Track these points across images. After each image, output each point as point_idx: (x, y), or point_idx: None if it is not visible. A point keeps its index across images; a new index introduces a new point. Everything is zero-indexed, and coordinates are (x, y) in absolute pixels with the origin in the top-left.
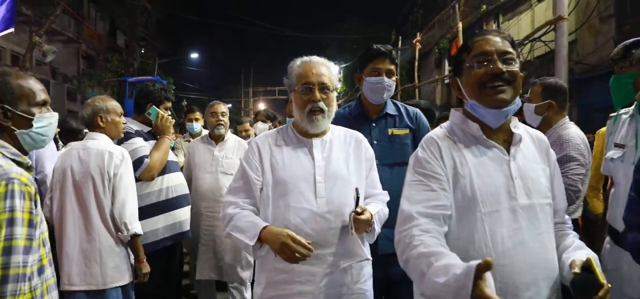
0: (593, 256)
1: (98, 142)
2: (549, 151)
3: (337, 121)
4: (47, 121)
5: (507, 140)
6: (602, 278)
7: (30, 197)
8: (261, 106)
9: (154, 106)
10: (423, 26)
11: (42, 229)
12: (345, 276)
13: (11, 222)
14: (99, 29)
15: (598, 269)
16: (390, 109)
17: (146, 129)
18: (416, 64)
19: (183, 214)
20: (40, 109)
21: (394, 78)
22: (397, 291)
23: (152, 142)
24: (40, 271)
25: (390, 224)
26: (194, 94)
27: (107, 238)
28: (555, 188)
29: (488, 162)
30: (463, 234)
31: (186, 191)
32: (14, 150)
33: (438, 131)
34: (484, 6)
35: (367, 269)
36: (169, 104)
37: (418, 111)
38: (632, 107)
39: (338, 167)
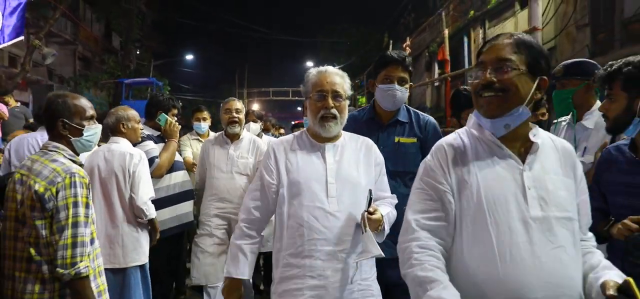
0: (630, 279)
1: (120, 146)
2: (575, 164)
3: (348, 122)
4: (93, 131)
5: (525, 149)
6: None
7: (86, 187)
8: (255, 106)
9: (163, 114)
10: (414, 29)
11: (92, 212)
12: (355, 273)
13: (76, 205)
14: (95, 30)
15: (638, 292)
16: (402, 117)
17: (156, 133)
18: None
19: (187, 207)
20: (89, 122)
21: (406, 86)
22: (396, 294)
23: (161, 144)
24: (92, 241)
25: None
26: (190, 95)
27: (128, 225)
28: (579, 203)
29: (500, 171)
30: (472, 245)
31: (190, 186)
32: (71, 152)
33: (450, 137)
34: (472, 12)
35: (373, 269)
36: (176, 111)
37: (430, 119)
38: (569, 116)
39: (349, 170)
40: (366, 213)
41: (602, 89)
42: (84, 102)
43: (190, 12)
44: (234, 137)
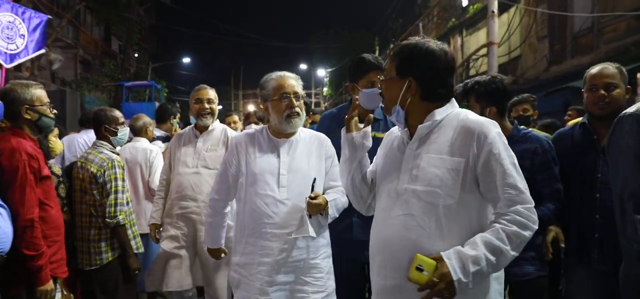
0: (418, 255)
1: (142, 143)
2: (470, 144)
3: (325, 119)
4: (124, 132)
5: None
6: (418, 277)
7: (121, 168)
8: (251, 107)
9: (175, 120)
10: (402, 33)
11: (127, 184)
12: (301, 252)
13: (115, 179)
14: (94, 34)
15: (418, 272)
16: (377, 114)
17: (164, 134)
18: None
19: None
20: (121, 126)
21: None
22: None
23: (167, 143)
24: (127, 203)
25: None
26: (186, 97)
27: (146, 201)
28: (484, 182)
29: (393, 149)
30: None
31: None
32: (110, 146)
33: (395, 128)
34: (453, 20)
35: (324, 248)
36: (178, 116)
37: None
38: None
39: (300, 163)
40: (308, 198)
41: (461, 102)
42: (117, 113)
43: (187, 21)
44: (204, 129)
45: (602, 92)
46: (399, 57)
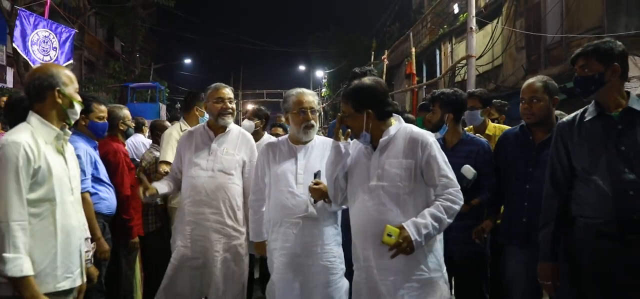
0: (407, 227)
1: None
2: (416, 149)
3: (331, 127)
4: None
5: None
6: (387, 239)
7: None
8: (249, 107)
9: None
10: (398, 37)
11: None
12: (315, 238)
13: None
14: (98, 35)
15: (389, 237)
16: None
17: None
18: (384, 77)
19: None
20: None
21: None
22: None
23: None
24: None
25: None
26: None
27: None
28: (427, 175)
29: (360, 157)
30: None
31: None
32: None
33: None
34: (445, 26)
35: (335, 236)
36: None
37: None
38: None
39: (314, 164)
40: (310, 184)
41: (429, 106)
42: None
43: (188, 24)
44: (219, 130)
45: (526, 105)
46: (352, 100)
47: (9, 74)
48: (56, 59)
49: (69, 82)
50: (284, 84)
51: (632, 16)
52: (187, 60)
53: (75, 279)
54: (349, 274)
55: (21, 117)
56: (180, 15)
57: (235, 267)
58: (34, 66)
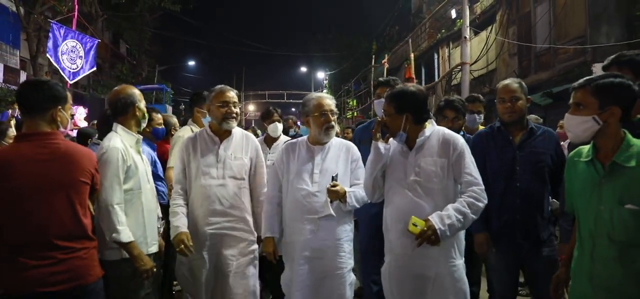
0: (432, 218)
1: None
2: (448, 149)
3: (358, 130)
4: None
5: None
6: (413, 229)
7: None
8: (251, 107)
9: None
10: (398, 40)
11: None
12: (328, 234)
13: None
14: (104, 38)
15: (414, 227)
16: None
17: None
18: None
19: None
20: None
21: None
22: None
23: None
24: None
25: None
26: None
27: None
28: (455, 172)
29: (396, 156)
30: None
31: None
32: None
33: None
34: (443, 31)
35: (347, 233)
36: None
37: None
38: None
39: (330, 164)
40: (328, 186)
41: (441, 111)
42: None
43: (192, 27)
44: (225, 135)
45: (509, 104)
46: (395, 101)
47: (23, 77)
48: (82, 67)
49: (141, 99)
50: (286, 85)
51: (612, 25)
52: (191, 62)
53: (157, 246)
54: (366, 259)
55: (108, 128)
56: (184, 19)
57: (248, 273)
58: (63, 75)
